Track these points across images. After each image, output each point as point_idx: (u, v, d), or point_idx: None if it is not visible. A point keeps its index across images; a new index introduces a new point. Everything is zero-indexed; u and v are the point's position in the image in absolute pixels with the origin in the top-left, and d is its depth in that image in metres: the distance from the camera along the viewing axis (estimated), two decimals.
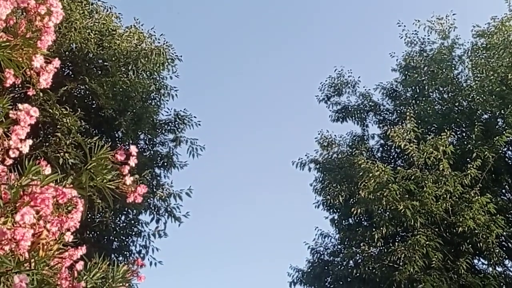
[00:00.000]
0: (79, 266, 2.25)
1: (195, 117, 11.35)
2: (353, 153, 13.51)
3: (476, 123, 12.30)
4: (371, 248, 11.76)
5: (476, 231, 10.70)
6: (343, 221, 13.52)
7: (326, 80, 15.25)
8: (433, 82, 14.01)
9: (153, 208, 10.51)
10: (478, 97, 13.17)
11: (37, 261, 1.89)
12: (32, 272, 1.84)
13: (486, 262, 11.73)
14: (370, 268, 11.37)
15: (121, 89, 10.12)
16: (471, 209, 10.84)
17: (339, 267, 12.60)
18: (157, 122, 11.15)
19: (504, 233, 11.34)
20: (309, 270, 13.07)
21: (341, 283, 12.39)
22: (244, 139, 28.79)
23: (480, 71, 13.26)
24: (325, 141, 14.35)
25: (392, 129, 12.10)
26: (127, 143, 9.74)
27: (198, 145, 11.17)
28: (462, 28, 16.68)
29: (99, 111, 10.03)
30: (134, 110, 10.43)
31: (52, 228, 2.02)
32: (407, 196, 11.08)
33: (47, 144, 8.67)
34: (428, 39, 14.72)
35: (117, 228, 10.26)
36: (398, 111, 14.74)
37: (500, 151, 12.25)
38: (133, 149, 2.30)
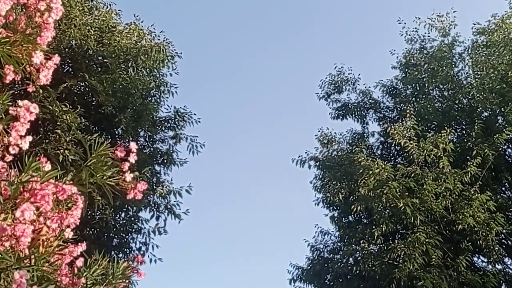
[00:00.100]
0: (79, 262, 2.26)
1: (195, 114, 11.36)
2: (353, 151, 13.51)
3: (476, 120, 12.30)
4: (371, 245, 11.77)
5: (475, 228, 10.71)
6: (343, 219, 13.53)
7: (326, 78, 15.25)
8: (433, 80, 14.00)
9: (153, 205, 10.52)
10: (478, 95, 13.16)
11: (37, 258, 1.89)
12: (32, 268, 1.84)
13: (485, 260, 11.76)
14: (370, 265, 11.38)
15: (121, 86, 10.11)
16: (471, 206, 10.84)
17: (338, 264, 12.62)
18: (157, 119, 11.14)
19: (504, 231, 11.35)
20: (309, 267, 13.09)
21: (340, 280, 12.41)
22: (244, 136, 28.79)
23: (480, 69, 13.24)
24: (325, 138, 14.35)
25: (392, 127, 12.09)
26: (127, 140, 9.73)
27: (198, 142, 11.18)
28: (462, 26, 16.67)
29: (99, 108, 10.02)
30: (134, 107, 10.42)
31: (52, 224, 2.02)
32: (407, 193, 11.08)
33: (47, 141, 8.66)
34: (429, 36, 14.72)
35: (117, 225, 10.27)
36: (398, 109, 14.74)
37: (500, 149, 12.25)
38: (133, 145, 2.30)
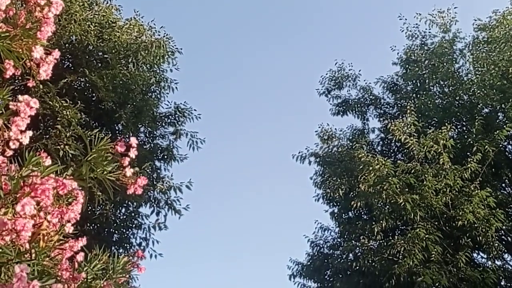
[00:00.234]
0: (80, 257, 2.26)
1: (195, 110, 11.35)
2: (353, 147, 13.51)
3: (477, 117, 12.29)
4: (371, 241, 11.79)
5: (475, 224, 10.72)
6: (343, 215, 13.54)
7: (326, 74, 15.24)
8: (434, 76, 13.98)
9: (153, 200, 10.53)
10: (478, 91, 13.14)
11: (38, 252, 1.90)
12: (33, 262, 1.85)
13: (485, 256, 11.77)
14: (370, 261, 11.40)
15: (121, 82, 10.10)
16: (470, 203, 10.85)
17: (338, 260, 12.64)
18: (157, 115, 11.14)
19: (504, 227, 11.37)
20: (308, 263, 13.12)
21: (340, 276, 12.43)
22: (244, 132, 28.79)
23: (481, 65, 13.22)
24: (325, 134, 14.35)
25: (393, 123, 12.09)
26: (127, 136, 9.73)
27: (198, 138, 11.18)
28: (463, 22, 16.64)
29: (99, 103, 10.02)
30: (134, 103, 10.41)
31: (52, 219, 2.03)
32: (407, 189, 11.09)
33: (47, 136, 8.67)
34: (429, 32, 14.68)
35: (118, 221, 10.28)
36: (399, 105, 14.72)
37: (500, 145, 12.24)
38: (133, 140, 2.30)
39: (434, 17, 14.47)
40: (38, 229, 1.90)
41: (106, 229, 10.07)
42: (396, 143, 13.39)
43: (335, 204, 13.53)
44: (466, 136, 12.90)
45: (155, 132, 11.18)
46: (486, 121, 12.38)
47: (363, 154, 11.71)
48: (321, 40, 30.34)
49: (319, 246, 13.33)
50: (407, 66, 14.70)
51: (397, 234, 11.92)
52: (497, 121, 12.91)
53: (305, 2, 28.84)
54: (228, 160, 27.87)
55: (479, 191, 11.00)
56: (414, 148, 11.64)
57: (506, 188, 12.97)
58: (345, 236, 12.99)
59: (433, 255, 10.54)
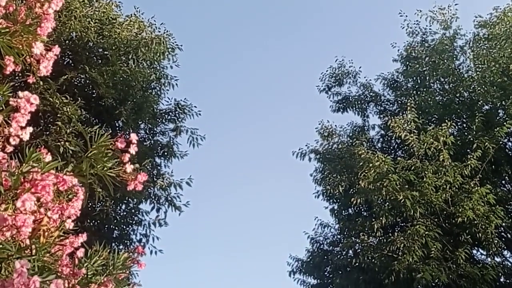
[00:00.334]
0: (80, 253, 2.27)
1: (195, 106, 11.34)
2: (354, 144, 13.51)
3: (477, 114, 12.28)
4: (371, 238, 11.81)
5: (475, 221, 10.74)
6: (343, 211, 13.56)
7: (327, 70, 15.22)
8: (434, 73, 13.96)
9: (153, 197, 10.54)
10: (479, 88, 13.13)
11: (38, 248, 1.90)
12: (33, 258, 1.85)
13: (484, 253, 11.79)
14: (369, 257, 11.42)
15: (121, 78, 10.09)
16: (470, 199, 10.86)
17: (338, 256, 12.67)
18: (158, 111, 11.13)
19: (503, 224, 11.38)
20: (308, 259, 13.14)
21: (340, 272, 12.46)
22: (245, 129, 28.79)
23: (481, 62, 13.20)
24: (326, 131, 14.35)
25: (393, 120, 12.09)
26: (127, 132, 9.73)
27: (199, 134, 11.17)
28: (464, 19, 16.62)
29: (99, 100, 10.01)
30: (135, 100, 10.40)
31: (53, 215, 2.03)
32: (407, 186, 11.10)
33: (47, 132, 8.67)
34: (430, 29, 14.66)
35: (118, 217, 10.29)
36: (399, 102, 14.72)
37: (500, 142, 12.25)
38: (133, 137, 2.30)
39: (435, 14, 14.45)
40: (38, 225, 1.91)
41: (106, 226, 10.08)
42: (396, 140, 13.40)
43: (335, 200, 13.55)
44: (466, 133, 12.90)
45: (155, 129, 11.17)
46: (486, 118, 12.38)
47: (363, 151, 11.71)
48: (321, 36, 30.30)
49: (319, 243, 13.36)
50: (407, 63, 14.68)
51: (396, 230, 11.93)
52: (497, 118, 12.90)
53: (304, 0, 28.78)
54: (228, 157, 27.88)
55: (479, 188, 11.01)
56: (414, 145, 11.64)
57: (506, 185, 12.98)
58: (345, 233, 13.01)
59: (433, 252, 10.57)
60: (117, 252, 2.52)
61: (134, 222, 10.44)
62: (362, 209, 13.08)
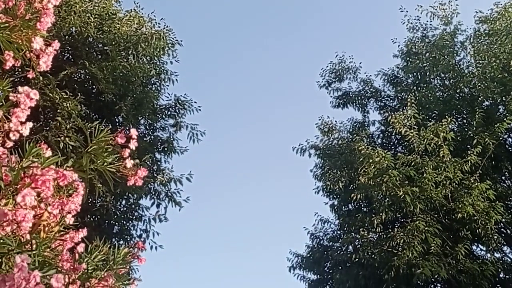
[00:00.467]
0: (80, 248, 2.27)
1: (195, 102, 11.33)
2: (354, 139, 13.51)
3: (477, 109, 12.27)
4: (370, 233, 11.83)
5: (475, 217, 10.75)
6: (343, 207, 13.58)
7: (327, 66, 15.20)
8: (434, 69, 13.94)
9: (153, 192, 10.55)
10: (479, 84, 13.11)
11: (39, 243, 1.90)
12: (34, 253, 1.86)
13: (484, 248, 11.81)
14: (369, 253, 11.44)
15: (121, 74, 10.07)
16: (470, 195, 10.87)
17: (338, 252, 12.69)
18: (158, 107, 11.12)
19: (503, 220, 11.40)
20: (308, 255, 13.17)
21: (340, 268, 12.49)
22: (245, 124, 28.78)
23: (482, 58, 13.18)
24: (326, 127, 14.35)
25: (393, 116, 12.08)
26: (127, 128, 9.70)
27: (199, 130, 11.17)
28: (464, 14, 16.56)
29: (99, 95, 10.00)
30: (134, 95, 10.39)
31: (53, 210, 2.03)
32: (407, 182, 11.11)
33: (47, 128, 8.66)
34: (431, 25, 14.62)
35: (118, 213, 10.30)
36: (399, 97, 14.70)
37: (500, 138, 12.25)
38: (133, 132, 2.30)
39: (435, 9, 14.41)
40: (38, 220, 1.91)
41: (106, 221, 10.09)
42: (396, 136, 13.39)
43: (335, 196, 13.56)
44: (466, 129, 12.90)
45: (155, 124, 11.17)
46: (486, 113, 12.37)
47: (363, 147, 11.71)
48: (321, 32, 30.24)
49: (319, 238, 13.38)
50: (408, 58, 14.66)
51: (396, 226, 11.96)
52: (498, 114, 12.90)
53: None
54: (228, 152, 27.90)
55: (479, 183, 11.02)
56: (414, 140, 11.64)
57: (506, 181, 12.99)
58: (345, 228, 13.03)
59: (433, 247, 10.58)
60: (118, 247, 2.52)
61: (134, 217, 10.46)
62: (362, 205, 13.10)
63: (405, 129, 11.79)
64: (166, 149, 10.95)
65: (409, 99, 12.44)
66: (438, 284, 12.33)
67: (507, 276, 11.93)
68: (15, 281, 1.55)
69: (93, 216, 9.76)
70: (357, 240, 12.02)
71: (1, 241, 1.77)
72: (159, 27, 11.02)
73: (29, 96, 2.06)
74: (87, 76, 10.06)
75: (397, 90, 14.85)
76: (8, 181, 1.90)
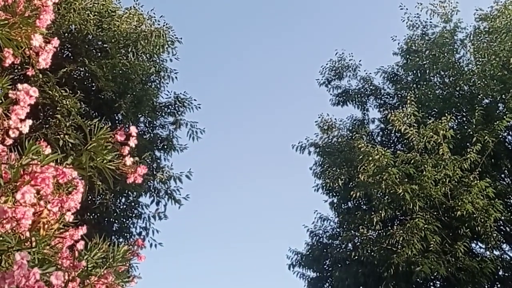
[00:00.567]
0: (80, 246, 2.27)
1: (195, 100, 11.32)
2: (353, 137, 13.50)
3: (477, 107, 12.27)
4: (370, 231, 11.83)
5: (474, 215, 10.76)
6: (342, 205, 13.58)
7: (327, 64, 15.19)
8: (434, 66, 13.93)
9: (153, 190, 10.55)
10: (479, 82, 13.10)
11: (38, 240, 1.90)
12: (33, 250, 1.86)
13: (483, 246, 11.82)
14: (369, 251, 11.45)
15: (120, 71, 10.06)
16: (470, 193, 10.88)
17: (337, 250, 12.70)
18: (157, 104, 11.11)
19: (502, 217, 11.40)
20: (308, 252, 13.18)
21: (339, 265, 12.50)
22: (244, 122, 28.78)
23: (482, 55, 13.17)
24: (325, 124, 14.34)
25: (393, 113, 12.07)
26: (127, 126, 9.69)
27: (198, 128, 11.16)
28: (464, 12, 16.57)
29: (98, 93, 9.99)
30: (134, 93, 10.38)
31: (52, 208, 2.03)
32: (406, 180, 11.11)
33: (47, 126, 8.66)
34: (430, 22, 14.61)
35: (118, 210, 10.31)
36: (399, 95, 14.70)
37: (500, 136, 12.24)
38: (133, 129, 2.30)
39: (435, 7, 14.39)
40: (38, 217, 1.91)
41: (106, 219, 10.10)
42: (396, 134, 13.39)
43: (334, 194, 13.56)
44: (466, 127, 12.89)
45: (155, 122, 11.16)
46: (486, 111, 12.37)
47: (362, 145, 11.71)
48: (321, 30, 30.20)
49: (319, 236, 13.39)
50: (407, 56, 14.65)
51: (396, 224, 11.96)
52: (497, 111, 12.89)
53: None
54: (227, 150, 27.90)
55: (478, 181, 11.02)
56: (414, 138, 11.64)
57: (505, 179, 13.00)
58: (344, 226, 13.03)
59: (432, 245, 10.60)
60: (117, 245, 2.53)
61: (134, 215, 10.46)
62: (362, 203, 13.11)
63: (405, 127, 11.79)
64: (165, 146, 10.95)
65: (408, 97, 12.44)
66: (437, 282, 12.35)
67: (506, 274, 11.94)
68: (14, 278, 1.55)
69: (93, 214, 9.76)
70: (357, 238, 12.03)
71: (1, 238, 1.77)
72: (159, 24, 11.01)
73: (28, 94, 2.06)
74: (87, 74, 10.05)
75: (397, 88, 14.84)
76: (7, 179, 1.90)
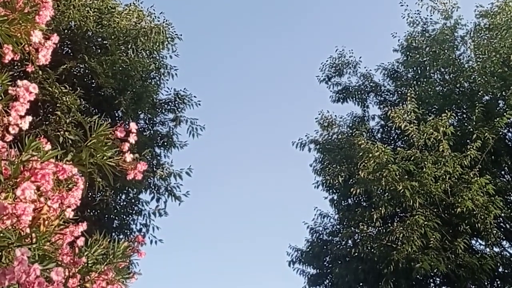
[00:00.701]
0: (80, 242, 2.28)
1: (195, 96, 11.32)
2: (353, 134, 13.50)
3: (477, 104, 12.26)
4: (370, 228, 11.84)
5: (474, 212, 10.77)
6: (342, 201, 13.59)
7: (327, 61, 15.16)
8: (434, 63, 13.91)
9: (153, 187, 10.56)
10: (479, 79, 13.09)
11: (38, 236, 1.90)
12: (34, 247, 1.86)
13: (483, 243, 11.84)
14: (369, 247, 11.47)
15: (120, 68, 10.05)
16: (470, 190, 10.88)
17: (338, 246, 12.71)
18: (157, 101, 11.10)
19: (502, 214, 11.42)
20: (308, 249, 13.19)
21: (339, 262, 12.52)
22: (244, 118, 28.76)
23: (482, 52, 13.15)
24: (325, 121, 14.33)
25: (393, 110, 12.07)
26: (127, 122, 9.69)
27: (198, 124, 11.16)
28: (465, 8, 16.53)
29: (98, 90, 9.99)
30: (134, 89, 10.37)
31: (53, 204, 2.03)
32: (406, 176, 11.11)
33: (47, 122, 8.65)
34: (431, 19, 14.58)
35: (118, 207, 10.32)
36: (399, 92, 14.68)
37: (500, 133, 12.24)
38: (133, 126, 2.30)
39: (436, 3, 14.36)
40: (38, 213, 1.91)
41: (106, 215, 10.11)
42: (396, 130, 13.38)
43: (334, 191, 13.57)
44: (466, 124, 12.89)
45: (155, 119, 11.16)
46: (486, 108, 12.36)
47: (363, 141, 11.70)
48: (321, 26, 30.15)
49: (319, 233, 13.40)
50: (408, 53, 14.63)
51: (396, 221, 11.97)
52: (498, 108, 12.88)
53: None
54: (228, 147, 27.91)
55: (478, 178, 11.02)
56: (414, 135, 11.63)
57: (506, 176, 13.00)
58: (344, 223, 13.04)
59: (432, 242, 10.61)
60: (117, 242, 2.53)
61: (134, 212, 10.47)
62: (362, 199, 13.11)
63: (405, 124, 11.79)
64: (165, 143, 10.95)
65: (409, 94, 12.42)
66: (437, 279, 12.37)
67: (506, 271, 11.96)
68: (15, 274, 1.55)
69: (93, 210, 9.77)
70: (357, 235, 12.04)
71: (1, 234, 1.77)
72: (159, 21, 11.00)
73: (28, 90, 2.06)
74: (87, 70, 10.03)
75: (397, 84, 14.82)
76: (7, 175, 1.90)
